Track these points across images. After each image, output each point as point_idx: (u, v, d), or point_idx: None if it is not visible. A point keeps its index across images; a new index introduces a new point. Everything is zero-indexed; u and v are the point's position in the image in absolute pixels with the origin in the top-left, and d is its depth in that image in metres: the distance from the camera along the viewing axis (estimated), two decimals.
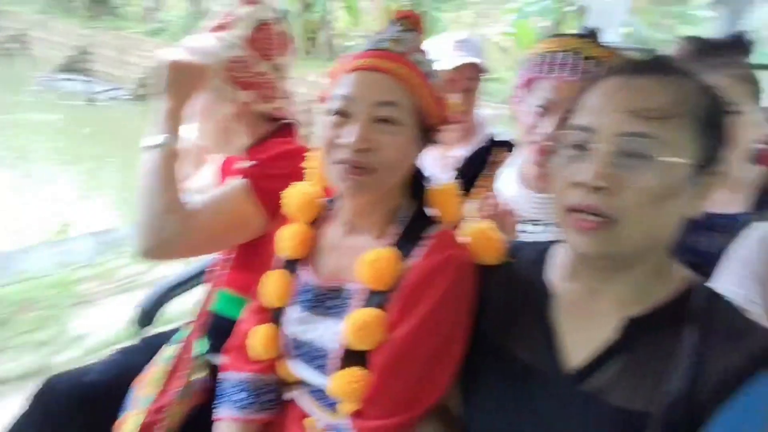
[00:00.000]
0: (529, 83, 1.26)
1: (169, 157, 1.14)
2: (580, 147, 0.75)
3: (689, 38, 1.90)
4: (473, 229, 0.96)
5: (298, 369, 1.01)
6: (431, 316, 0.86)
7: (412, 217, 0.97)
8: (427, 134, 0.97)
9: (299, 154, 1.17)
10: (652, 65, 0.76)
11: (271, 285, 1.04)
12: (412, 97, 0.92)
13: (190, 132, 1.30)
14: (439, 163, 1.84)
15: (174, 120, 1.16)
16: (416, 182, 1.01)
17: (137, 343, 1.45)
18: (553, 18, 7.71)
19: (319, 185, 1.07)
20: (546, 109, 1.19)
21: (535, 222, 1.29)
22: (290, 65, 1.32)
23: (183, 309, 1.55)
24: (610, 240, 0.72)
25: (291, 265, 1.05)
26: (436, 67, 1.72)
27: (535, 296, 0.86)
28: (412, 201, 1.00)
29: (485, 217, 1.20)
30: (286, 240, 1.04)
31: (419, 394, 0.86)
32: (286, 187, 1.07)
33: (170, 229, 1.09)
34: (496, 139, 1.54)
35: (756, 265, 1.10)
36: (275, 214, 1.13)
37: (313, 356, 0.97)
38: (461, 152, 1.61)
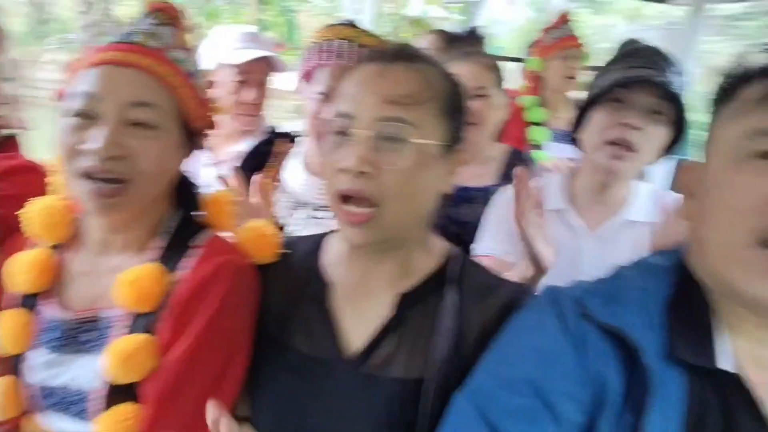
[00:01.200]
0: (310, 73, 1.29)
1: None
2: (343, 133, 0.76)
3: (437, 31, 2.12)
4: (246, 229, 0.91)
5: (52, 422, 0.84)
6: (209, 331, 0.78)
7: (178, 226, 0.88)
8: (191, 139, 0.88)
9: (28, 170, 0.97)
10: (401, 54, 0.80)
11: (4, 329, 0.85)
12: (172, 98, 0.82)
13: None
14: (220, 159, 1.78)
15: None
16: (183, 189, 0.91)
17: None
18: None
19: (64, 200, 0.89)
20: (327, 96, 1.23)
21: (324, 208, 1.31)
22: (10, 66, 1.08)
23: None
24: (378, 227, 0.75)
25: (29, 300, 0.86)
26: (225, 60, 1.70)
27: (313, 287, 0.86)
28: (178, 209, 0.90)
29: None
30: (22, 271, 0.85)
31: (205, 416, 0.78)
32: (14, 210, 0.88)
33: None
34: (278, 131, 1.55)
35: (508, 222, 1.26)
36: (1, 244, 0.92)
37: (70, 402, 0.81)
38: (248, 146, 1.59)
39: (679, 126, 1.14)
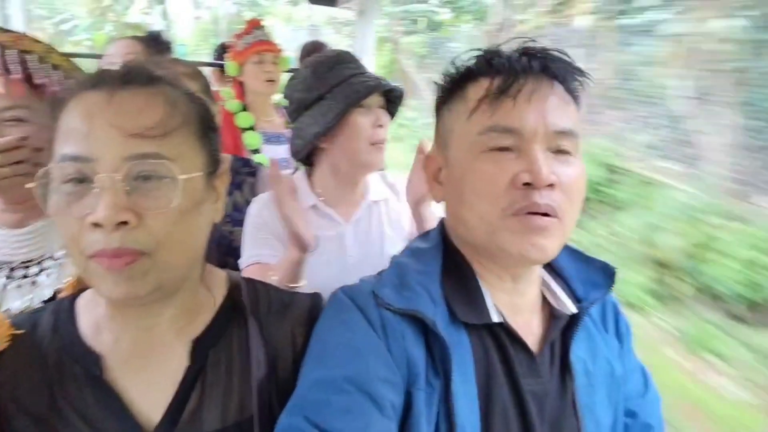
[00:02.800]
0: None
1: None
2: (80, 180, 0.62)
3: (133, 36, 1.91)
4: None
5: None
6: None
7: None
8: None
9: None
10: (133, 77, 0.67)
11: None
12: None
13: None
14: None
15: None
16: None
17: None
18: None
19: None
20: None
21: (27, 264, 1.04)
22: None
23: None
24: (148, 273, 0.63)
25: None
26: None
27: (77, 366, 0.69)
28: None
29: None
30: None
31: None
32: None
33: None
34: None
35: (267, 226, 1.30)
36: None
37: None
38: None
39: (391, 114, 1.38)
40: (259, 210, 1.33)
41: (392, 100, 1.36)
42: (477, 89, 0.74)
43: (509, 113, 0.71)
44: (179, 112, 0.67)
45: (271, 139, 2.19)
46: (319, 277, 1.17)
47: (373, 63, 2.27)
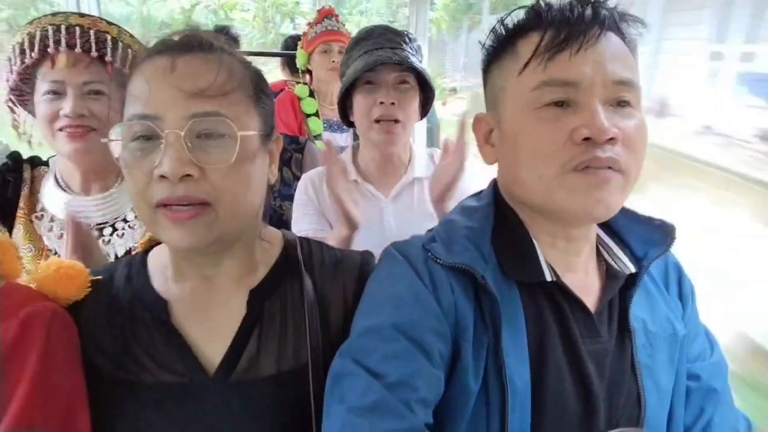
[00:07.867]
0: (28, 74, 1.11)
1: None
2: (147, 138, 0.68)
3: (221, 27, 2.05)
4: (42, 269, 0.76)
5: None
6: (35, 397, 0.63)
7: None
8: None
9: None
10: (193, 43, 0.73)
11: None
12: None
13: None
14: None
15: None
16: None
17: None
18: None
19: None
20: (57, 93, 1.08)
21: (101, 225, 1.16)
22: None
23: None
24: (211, 225, 0.69)
25: None
26: None
27: (147, 310, 0.76)
28: None
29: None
30: None
31: None
32: None
33: None
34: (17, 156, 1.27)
35: (313, 202, 1.38)
36: None
37: None
38: None
39: (423, 88, 1.36)
40: (305, 187, 1.40)
41: (421, 79, 1.33)
42: (528, 44, 0.71)
43: (564, 65, 0.67)
44: (235, 76, 0.72)
45: (333, 126, 2.24)
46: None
47: (426, 46, 2.25)
